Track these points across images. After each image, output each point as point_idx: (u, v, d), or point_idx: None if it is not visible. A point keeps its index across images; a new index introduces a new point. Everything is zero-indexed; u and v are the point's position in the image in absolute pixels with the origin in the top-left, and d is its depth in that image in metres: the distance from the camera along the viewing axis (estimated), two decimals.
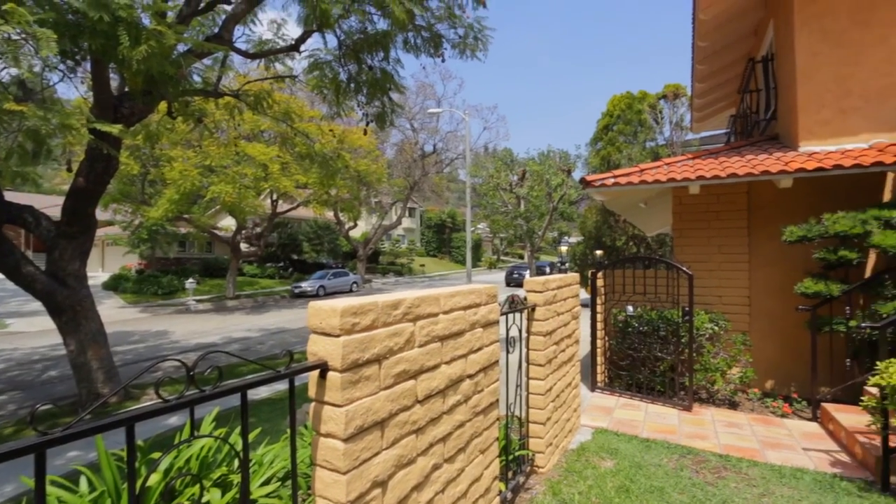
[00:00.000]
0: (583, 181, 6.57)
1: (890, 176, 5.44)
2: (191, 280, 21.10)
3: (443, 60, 6.62)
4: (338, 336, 1.56)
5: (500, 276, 37.03)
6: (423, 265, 44.52)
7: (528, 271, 28.69)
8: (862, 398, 3.71)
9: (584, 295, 9.22)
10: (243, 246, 25.53)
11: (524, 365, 3.66)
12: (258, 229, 26.56)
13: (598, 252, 17.56)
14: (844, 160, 5.04)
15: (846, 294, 4.92)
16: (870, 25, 5.67)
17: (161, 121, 9.19)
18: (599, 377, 6.30)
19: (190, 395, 1.23)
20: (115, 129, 5.02)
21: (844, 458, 4.13)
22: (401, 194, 33.84)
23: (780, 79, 6.88)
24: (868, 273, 5.34)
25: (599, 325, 6.34)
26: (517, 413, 3.56)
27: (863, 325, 4.23)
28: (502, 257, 60.28)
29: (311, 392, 1.62)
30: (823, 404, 5.00)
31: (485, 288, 2.56)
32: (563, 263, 26.37)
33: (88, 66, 6.10)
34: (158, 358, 10.52)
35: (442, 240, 53.55)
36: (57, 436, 0.98)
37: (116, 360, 8.37)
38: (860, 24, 5.71)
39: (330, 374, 1.57)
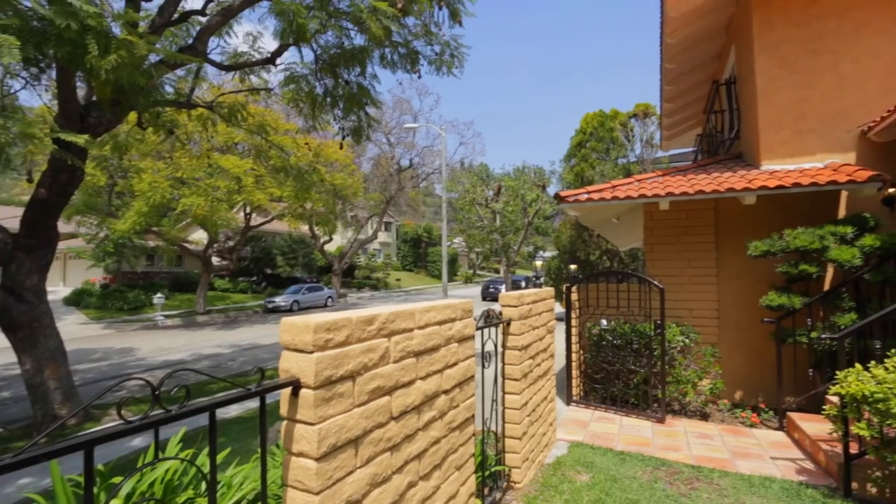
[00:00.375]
0: (557, 197, 6.69)
1: (844, 194, 5.73)
2: (159, 295, 20.41)
3: (419, 77, 6.70)
4: (311, 352, 1.53)
5: (476, 290, 37.13)
6: (399, 279, 44.29)
7: (503, 285, 28.85)
8: (824, 407, 3.85)
9: (559, 309, 9.32)
10: (215, 260, 24.93)
11: (500, 379, 3.66)
12: (231, 243, 26.01)
13: (573, 266, 17.84)
14: (802, 179, 5.28)
15: (807, 306, 5.12)
16: (821, 54, 6.02)
17: (130, 131, 8.97)
18: (575, 390, 6.35)
19: (155, 416, 1.18)
20: (80, 139, 4.87)
21: (809, 465, 4.25)
22: (377, 208, 33.75)
23: (743, 101, 7.21)
24: (827, 286, 5.58)
25: (574, 339, 6.40)
26: (493, 428, 3.54)
27: (823, 336, 4.40)
28: (478, 272, 60.53)
29: (283, 410, 1.58)
30: (789, 414, 5.15)
31: (460, 303, 2.56)
32: (538, 278, 26.64)
33: (54, 73, 5.93)
34: (122, 376, 10.09)
35: (418, 254, 53.48)
36: (7, 462, 0.92)
37: (76, 379, 7.99)
38: (812, 52, 6.05)
39: (302, 391, 1.54)
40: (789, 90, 6.12)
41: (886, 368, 3.28)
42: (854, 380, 3.35)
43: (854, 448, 3.62)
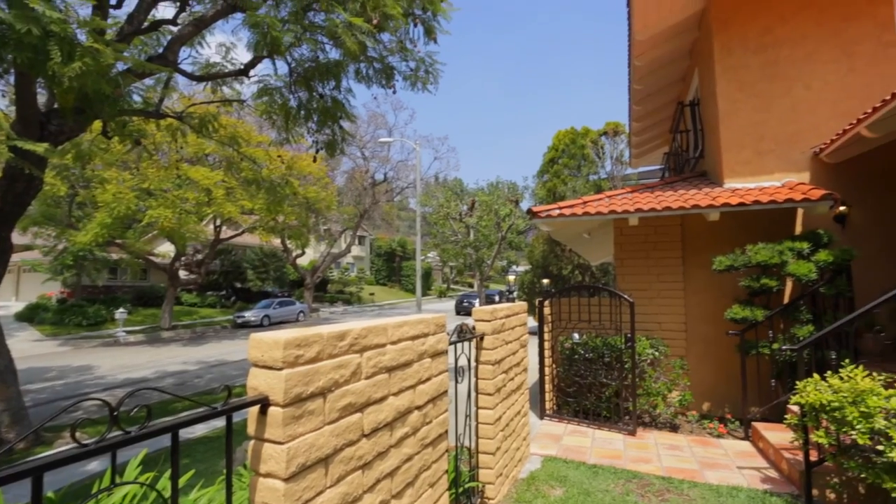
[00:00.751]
0: (530, 212, 6.79)
1: (800, 211, 6.02)
2: (121, 310, 19.60)
3: (394, 92, 6.73)
4: (280, 369, 1.49)
5: (450, 304, 37.06)
6: (372, 294, 43.87)
7: (477, 300, 28.90)
8: (785, 416, 3.97)
9: (533, 323, 9.39)
10: (182, 273, 24.14)
11: (473, 394, 3.65)
12: (199, 256, 25.29)
13: (545, 281, 18.06)
14: (762, 196, 5.53)
15: (769, 319, 5.31)
16: (776, 79, 6.36)
17: (95, 140, 8.67)
18: (548, 404, 6.37)
19: (112, 438, 1.12)
20: (39, 147, 4.67)
21: (773, 474, 4.37)
22: (350, 222, 33.48)
23: (706, 121, 7.52)
24: (786, 299, 5.81)
25: (547, 353, 6.45)
26: (467, 444, 3.52)
27: (783, 347, 4.57)
28: (452, 286, 60.53)
29: (251, 429, 1.53)
30: (754, 423, 5.30)
31: (433, 318, 2.56)
32: (510, 292, 26.82)
33: (12, 78, 5.70)
34: (79, 396, 9.59)
35: (392, 268, 53.17)
36: None
37: (27, 400, 7.55)
38: (769, 77, 6.39)
39: (271, 409, 1.49)
40: (749, 112, 6.43)
41: (841, 378, 3.42)
42: (812, 389, 3.48)
43: (814, 456, 3.74)
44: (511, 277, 27.80)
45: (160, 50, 6.43)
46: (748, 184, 6.33)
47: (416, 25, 6.14)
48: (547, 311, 6.59)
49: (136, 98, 6.87)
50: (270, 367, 1.51)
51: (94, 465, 5.43)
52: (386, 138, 27.70)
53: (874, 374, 3.41)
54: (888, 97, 4.36)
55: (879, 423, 3.01)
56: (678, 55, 8.62)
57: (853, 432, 3.11)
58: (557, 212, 6.53)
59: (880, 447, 2.99)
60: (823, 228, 5.50)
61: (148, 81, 7.08)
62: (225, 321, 24.98)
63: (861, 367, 3.45)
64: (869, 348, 5.14)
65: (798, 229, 5.99)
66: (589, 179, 20.41)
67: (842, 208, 5.67)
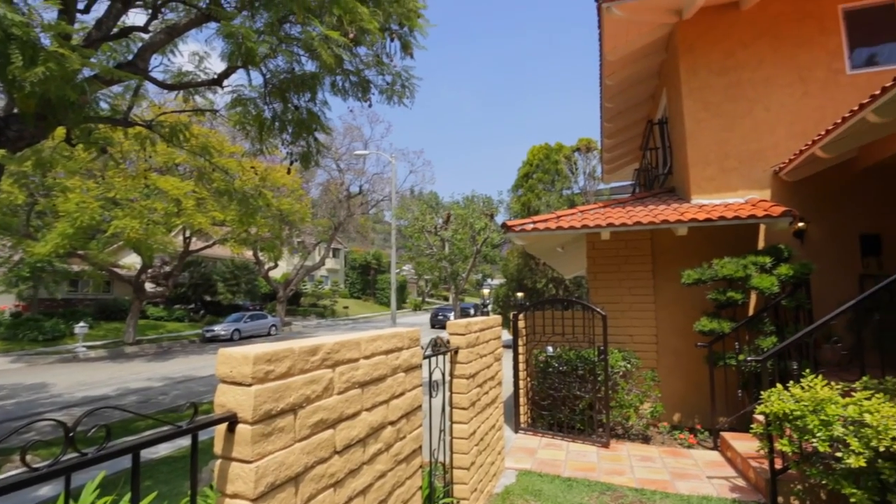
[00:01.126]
0: (504, 226, 6.86)
1: (762, 227, 6.27)
2: (81, 324, 18.74)
3: (370, 105, 6.74)
4: (249, 385, 1.45)
5: (425, 317, 36.90)
6: (346, 307, 43.31)
7: (452, 313, 28.84)
8: (752, 426, 4.08)
9: (507, 336, 9.42)
10: (149, 286, 23.33)
11: (448, 409, 3.62)
12: (167, 268, 24.52)
13: (520, 294, 18.20)
14: (727, 212, 5.74)
15: (735, 331, 5.48)
16: (739, 100, 6.67)
17: (57, 147, 8.36)
18: (523, 418, 6.38)
19: (67, 460, 1.06)
20: None
21: (741, 483, 4.46)
22: (325, 235, 33.14)
23: (674, 139, 7.80)
24: (751, 311, 6.01)
25: (522, 366, 6.47)
26: (441, 459, 3.48)
27: (749, 358, 4.71)
28: (427, 299, 60.36)
29: (218, 448, 1.48)
30: (722, 433, 5.42)
31: (407, 332, 2.54)
32: (485, 305, 26.90)
33: None
34: (31, 417, 9.08)
35: (366, 281, 52.68)
36: None
37: None
38: (732, 98, 6.69)
39: (239, 426, 1.45)
40: (714, 132, 6.70)
41: (802, 388, 3.54)
42: (776, 399, 3.59)
43: (779, 464, 3.85)
44: (485, 291, 27.89)
45: (130, 57, 6.29)
46: (714, 200, 6.57)
47: (392, 40, 6.19)
48: (521, 324, 6.63)
49: (104, 105, 6.68)
50: (239, 383, 1.47)
51: (46, 490, 5.13)
52: (361, 151, 27.68)
53: (832, 383, 3.54)
54: (839, 120, 4.62)
55: (838, 430, 3.12)
56: (647, 75, 8.95)
57: (814, 440, 3.22)
58: (531, 226, 6.62)
59: (839, 454, 3.09)
60: (784, 243, 5.74)
61: (116, 88, 6.89)
62: (193, 335, 24.18)
63: (820, 377, 3.59)
64: (827, 358, 5.36)
65: (761, 244, 6.23)
66: (562, 194, 20.81)
67: (800, 224, 5.93)
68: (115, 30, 5.98)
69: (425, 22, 6.25)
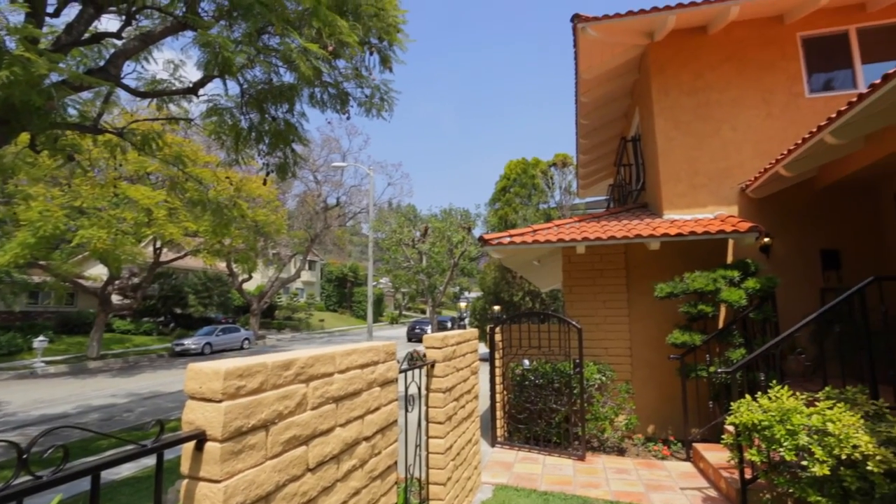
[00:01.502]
0: (481, 239, 6.91)
1: (731, 242, 6.48)
2: (41, 338, 17.92)
3: (348, 118, 6.74)
4: (220, 401, 1.41)
5: (401, 331, 36.61)
6: (322, 320, 42.65)
7: (429, 326, 28.70)
8: (723, 436, 4.16)
9: (484, 349, 9.42)
10: (116, 298, 22.52)
11: (424, 423, 3.58)
12: (136, 279, 23.74)
13: (496, 307, 18.27)
14: (697, 228, 5.92)
15: (706, 343, 5.61)
16: (708, 120, 6.92)
17: (21, 153, 8.06)
18: (499, 432, 6.36)
19: (20, 484, 1.01)
20: None
21: (713, 493, 4.53)
22: (301, 246, 32.68)
23: (646, 156, 8.02)
24: (721, 324, 6.17)
25: (498, 380, 6.47)
26: (417, 474, 3.43)
27: (719, 370, 4.82)
28: (404, 312, 59.99)
29: (185, 467, 1.43)
30: (695, 444, 5.51)
31: (383, 345, 2.52)
32: (462, 318, 26.89)
33: None
34: None
35: (343, 294, 52.06)
36: None
37: None
38: (701, 118, 6.95)
39: (208, 444, 1.40)
40: (684, 149, 6.93)
41: (770, 398, 3.64)
42: (745, 410, 3.68)
43: (748, 473, 3.93)
44: (463, 304, 27.90)
45: (102, 63, 6.15)
46: (685, 215, 6.76)
47: (372, 54, 6.22)
48: (498, 337, 6.64)
49: (72, 111, 6.50)
50: (209, 400, 1.42)
51: None
52: (339, 163, 27.56)
53: (797, 393, 3.66)
54: (800, 141, 4.85)
55: (803, 439, 3.21)
56: (621, 94, 9.22)
57: (781, 449, 3.31)
58: (508, 239, 6.68)
59: (804, 462, 3.18)
60: (751, 258, 5.94)
61: (86, 94, 6.73)
62: (162, 349, 23.38)
63: (786, 388, 3.70)
64: (793, 369, 5.53)
65: (730, 258, 6.43)
66: (539, 208, 21.11)
67: (766, 240, 6.15)
68: (87, 35, 5.85)
69: (405, 37, 6.31)
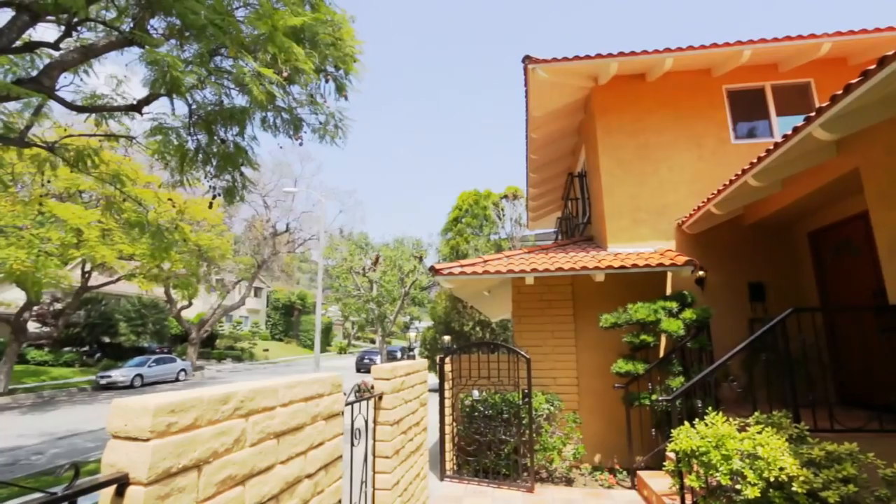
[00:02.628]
0: (432, 269, 6.93)
1: (669, 274, 6.85)
2: None
3: (301, 143, 6.67)
4: (147, 440, 1.31)
5: (350, 361, 35.62)
6: (267, 349, 40.73)
7: (379, 356, 28.09)
8: (664, 463, 4.29)
9: (434, 379, 9.32)
10: (33, 326, 20.54)
11: (370, 458, 3.46)
12: (58, 305, 21.83)
13: (446, 337, 18.21)
14: (638, 261, 6.22)
15: (648, 372, 5.82)
16: (647, 160, 7.40)
17: None
18: (448, 465, 6.23)
19: None
20: None
21: None
22: (247, 273, 31.43)
23: (592, 191, 8.43)
24: (662, 353, 6.44)
25: (448, 411, 6.38)
26: None
27: (660, 398, 5.00)
28: (353, 341, 58.53)
29: None
30: (639, 472, 5.63)
31: (329, 377, 2.44)
32: (411, 349, 26.58)
33: None
34: None
35: (290, 322, 50.18)
36: None
37: None
38: (641, 157, 7.42)
39: (130, 489, 1.28)
40: (627, 186, 7.35)
41: (706, 424, 3.81)
42: (684, 436, 3.82)
43: (689, 500, 4.05)
44: (412, 334, 27.61)
45: (34, 72, 5.79)
46: (627, 248, 7.11)
47: (327, 81, 6.25)
48: (448, 367, 6.59)
49: None
50: (135, 439, 1.32)
51: None
52: (291, 188, 27.03)
53: (731, 419, 3.85)
54: (727, 182, 5.27)
55: (736, 464, 3.36)
56: (569, 131, 9.71)
57: (717, 474, 3.44)
58: (459, 270, 6.74)
59: (738, 486, 3.33)
60: (688, 290, 6.29)
61: (13, 105, 6.30)
62: (84, 382, 21.37)
63: (721, 414, 3.88)
64: (727, 396, 5.83)
65: (669, 290, 6.79)
66: (490, 239, 21.52)
67: (700, 273, 6.56)
68: (19, 43, 5.52)
69: (361, 66, 6.40)
